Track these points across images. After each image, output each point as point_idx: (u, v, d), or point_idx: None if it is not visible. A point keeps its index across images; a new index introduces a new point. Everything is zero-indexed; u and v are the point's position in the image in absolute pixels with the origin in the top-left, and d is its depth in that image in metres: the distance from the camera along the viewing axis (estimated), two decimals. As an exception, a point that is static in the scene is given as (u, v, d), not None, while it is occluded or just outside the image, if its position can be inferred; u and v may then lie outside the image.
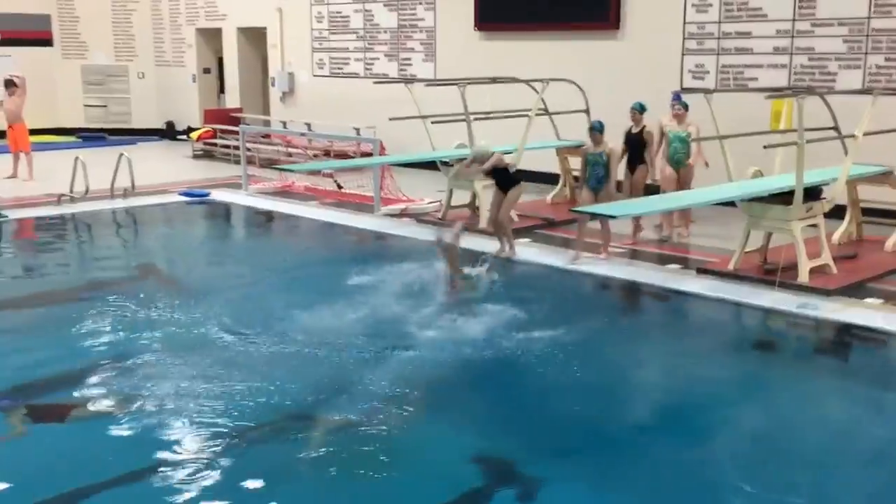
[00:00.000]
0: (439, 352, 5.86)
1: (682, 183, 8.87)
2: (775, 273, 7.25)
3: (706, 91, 8.56)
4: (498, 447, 4.68)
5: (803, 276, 7.27)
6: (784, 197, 7.39)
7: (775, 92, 8.47)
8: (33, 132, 13.78)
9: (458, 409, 5.28)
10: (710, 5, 10.71)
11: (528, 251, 8.70)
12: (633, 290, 7.68)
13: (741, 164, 7.90)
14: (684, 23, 10.93)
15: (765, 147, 7.42)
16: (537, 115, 10.13)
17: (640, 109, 8.91)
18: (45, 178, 12.43)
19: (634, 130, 8.95)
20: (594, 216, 7.78)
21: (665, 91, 9.19)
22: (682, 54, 10.99)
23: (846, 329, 6.52)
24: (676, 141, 8.84)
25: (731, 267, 7.64)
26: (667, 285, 7.53)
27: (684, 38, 10.96)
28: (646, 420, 5.13)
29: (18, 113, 12.95)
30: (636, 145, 8.94)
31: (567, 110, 10.50)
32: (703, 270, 7.78)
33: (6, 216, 10.16)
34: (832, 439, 4.85)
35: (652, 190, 9.04)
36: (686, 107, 8.93)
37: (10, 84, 13.08)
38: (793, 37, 10.12)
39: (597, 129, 8.19)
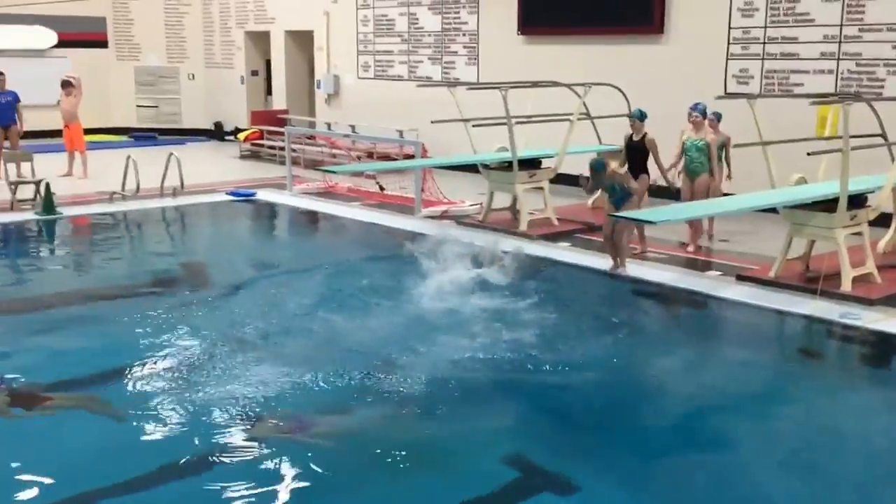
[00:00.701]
0: (476, 353, 5.90)
1: (697, 193, 8.59)
2: (817, 281, 7.18)
3: (749, 96, 8.49)
4: (535, 451, 4.70)
5: (846, 285, 7.19)
6: (828, 204, 7.31)
7: (821, 98, 8.37)
8: (88, 131, 14.23)
9: (496, 411, 5.28)
10: (757, 10, 10.62)
11: (567, 255, 8.74)
12: (671, 295, 7.66)
13: (785, 171, 7.84)
14: (729, 27, 10.85)
15: (809, 154, 7.35)
16: (579, 119, 10.16)
17: (639, 117, 8.67)
18: (98, 176, 12.82)
19: (635, 138, 8.70)
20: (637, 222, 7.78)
21: (708, 96, 9.14)
22: (727, 59, 10.90)
23: (889, 339, 6.42)
24: (693, 150, 8.64)
25: (772, 274, 7.58)
26: (706, 291, 7.50)
27: (729, 43, 10.87)
28: (686, 427, 5.11)
29: (74, 112, 13.37)
30: (636, 154, 8.70)
31: (609, 114, 10.50)
32: (743, 277, 7.73)
33: (60, 213, 10.52)
34: (874, 451, 4.79)
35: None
36: (704, 114, 8.68)
37: (66, 84, 13.50)
38: (840, 42, 9.98)
39: (598, 170, 7.74)
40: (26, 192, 10.87)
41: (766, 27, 10.58)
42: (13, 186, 10.83)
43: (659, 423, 5.17)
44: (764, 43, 10.61)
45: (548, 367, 5.77)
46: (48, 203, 10.43)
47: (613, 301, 7.59)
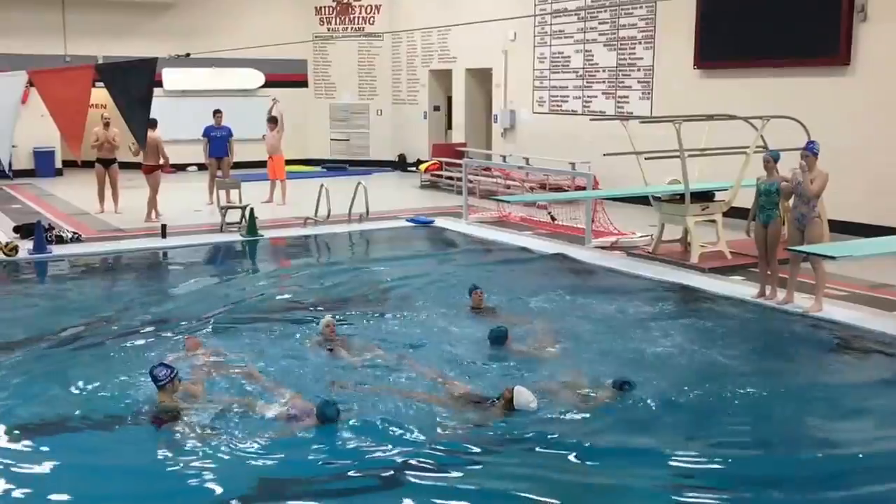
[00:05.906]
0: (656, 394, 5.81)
1: (770, 239, 8.00)
2: None
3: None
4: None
5: None
6: None
7: None
8: (287, 162, 15.63)
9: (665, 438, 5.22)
10: (957, 38, 10.03)
11: (740, 289, 8.62)
12: (856, 337, 7.21)
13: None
14: (924, 58, 10.32)
15: None
16: (755, 152, 10.00)
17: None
18: (295, 202, 14.10)
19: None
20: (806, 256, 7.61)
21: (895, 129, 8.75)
22: (920, 90, 10.35)
23: None
24: (764, 194, 8.08)
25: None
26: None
27: (922, 74, 10.33)
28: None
29: (277, 146, 14.81)
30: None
31: (788, 148, 10.23)
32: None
33: (262, 235, 11.72)
34: None
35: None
36: (776, 159, 8.17)
37: (272, 121, 14.98)
38: None
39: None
40: (234, 215, 12.17)
41: (967, 56, 9.95)
42: (223, 211, 12.20)
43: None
44: (965, 72, 9.98)
45: (725, 407, 5.64)
46: (252, 226, 11.64)
47: (794, 342, 7.24)
